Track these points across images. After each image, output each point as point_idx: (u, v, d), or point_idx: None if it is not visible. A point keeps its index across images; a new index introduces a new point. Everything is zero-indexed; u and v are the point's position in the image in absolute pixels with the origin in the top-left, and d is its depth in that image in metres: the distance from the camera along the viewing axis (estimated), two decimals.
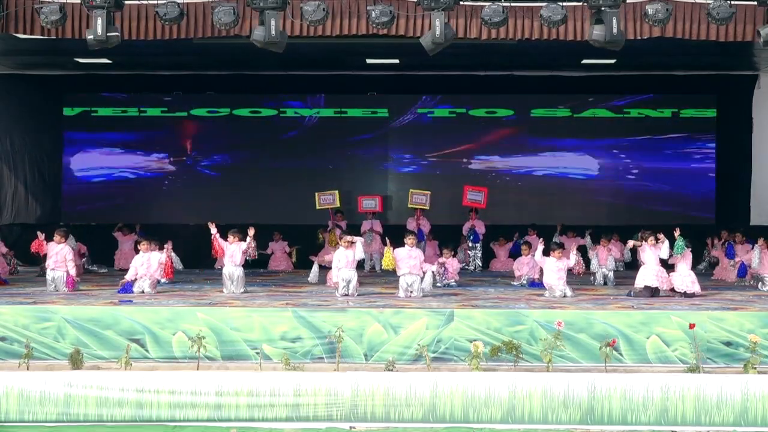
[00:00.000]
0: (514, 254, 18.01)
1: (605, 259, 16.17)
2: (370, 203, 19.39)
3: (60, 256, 14.21)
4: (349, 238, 14.15)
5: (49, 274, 14.21)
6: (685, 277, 13.96)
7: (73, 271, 14.28)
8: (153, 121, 21.09)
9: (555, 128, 20.94)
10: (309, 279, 15.50)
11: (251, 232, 14.26)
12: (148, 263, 14.20)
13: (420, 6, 12.02)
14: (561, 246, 14.61)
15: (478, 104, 20.98)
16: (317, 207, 19.28)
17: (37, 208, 20.08)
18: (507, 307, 12.44)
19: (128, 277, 14.25)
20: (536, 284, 15.17)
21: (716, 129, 20.70)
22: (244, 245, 14.19)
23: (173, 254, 14.76)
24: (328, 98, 21.00)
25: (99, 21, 11.81)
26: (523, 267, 16.27)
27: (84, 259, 17.85)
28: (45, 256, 14.49)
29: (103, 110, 21.02)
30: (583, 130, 20.94)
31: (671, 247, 13.99)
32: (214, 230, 14.20)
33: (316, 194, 19.31)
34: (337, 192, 19.28)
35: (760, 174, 19.66)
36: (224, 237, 14.28)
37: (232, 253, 14.15)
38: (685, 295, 13.80)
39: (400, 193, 20.51)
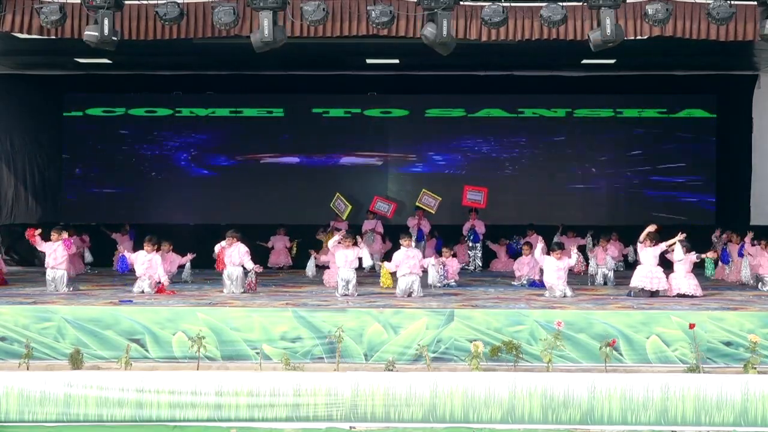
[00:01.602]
0: (514, 254, 18.02)
1: (603, 259, 16.17)
2: (383, 206, 19.41)
3: (58, 254, 14.19)
4: (353, 239, 14.18)
5: (49, 274, 14.18)
6: (690, 280, 13.96)
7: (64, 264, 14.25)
8: (153, 121, 21.07)
9: (555, 128, 20.93)
10: (307, 273, 15.60)
11: (258, 269, 14.25)
12: (150, 264, 14.19)
13: (420, 6, 12.03)
14: (561, 246, 14.62)
15: (478, 104, 20.96)
16: (331, 204, 19.34)
17: (37, 208, 20.08)
18: (507, 307, 12.44)
19: (129, 258, 14.30)
20: (536, 284, 15.17)
21: (716, 129, 20.69)
22: (243, 248, 14.19)
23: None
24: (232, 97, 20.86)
25: (98, 21, 11.82)
26: (523, 267, 16.27)
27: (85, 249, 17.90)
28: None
29: (103, 110, 21.01)
30: (582, 130, 20.93)
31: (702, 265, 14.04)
32: (224, 243, 14.18)
33: (337, 194, 19.51)
34: (351, 207, 19.34)
35: (760, 174, 19.65)
36: (222, 238, 14.32)
37: (231, 254, 14.15)
38: (685, 296, 13.80)
39: (401, 193, 20.52)
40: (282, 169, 21.01)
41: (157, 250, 14.45)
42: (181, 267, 15.55)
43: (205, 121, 21.06)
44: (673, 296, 13.85)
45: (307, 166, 21.00)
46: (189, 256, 15.35)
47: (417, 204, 19.41)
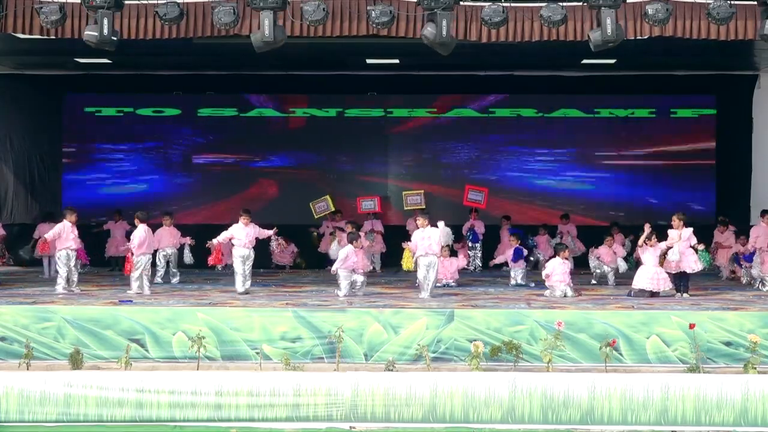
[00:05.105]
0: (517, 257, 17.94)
1: (608, 258, 16.12)
2: (369, 204, 19.43)
3: (64, 233, 14.23)
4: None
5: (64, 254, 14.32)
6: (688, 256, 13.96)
7: (76, 245, 14.35)
8: (153, 120, 21.06)
9: (555, 128, 20.92)
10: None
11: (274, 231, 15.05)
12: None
13: (420, 6, 12.03)
14: (565, 247, 14.61)
15: (479, 104, 20.96)
16: (315, 217, 19.36)
17: (37, 208, 20.06)
18: (507, 307, 12.45)
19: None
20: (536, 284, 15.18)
21: (716, 129, 20.67)
22: (259, 230, 14.50)
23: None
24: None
25: (98, 21, 11.82)
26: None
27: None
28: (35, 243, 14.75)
29: (103, 110, 21.00)
30: (581, 130, 20.92)
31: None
32: (216, 240, 14.34)
33: (310, 204, 19.46)
34: (328, 197, 19.36)
35: (760, 174, 19.64)
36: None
37: (247, 233, 14.28)
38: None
39: (400, 194, 20.50)
40: (282, 169, 21.00)
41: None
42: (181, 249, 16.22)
43: (205, 121, 21.05)
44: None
45: (307, 166, 21.00)
46: (188, 240, 16.08)
47: (406, 207, 19.42)
